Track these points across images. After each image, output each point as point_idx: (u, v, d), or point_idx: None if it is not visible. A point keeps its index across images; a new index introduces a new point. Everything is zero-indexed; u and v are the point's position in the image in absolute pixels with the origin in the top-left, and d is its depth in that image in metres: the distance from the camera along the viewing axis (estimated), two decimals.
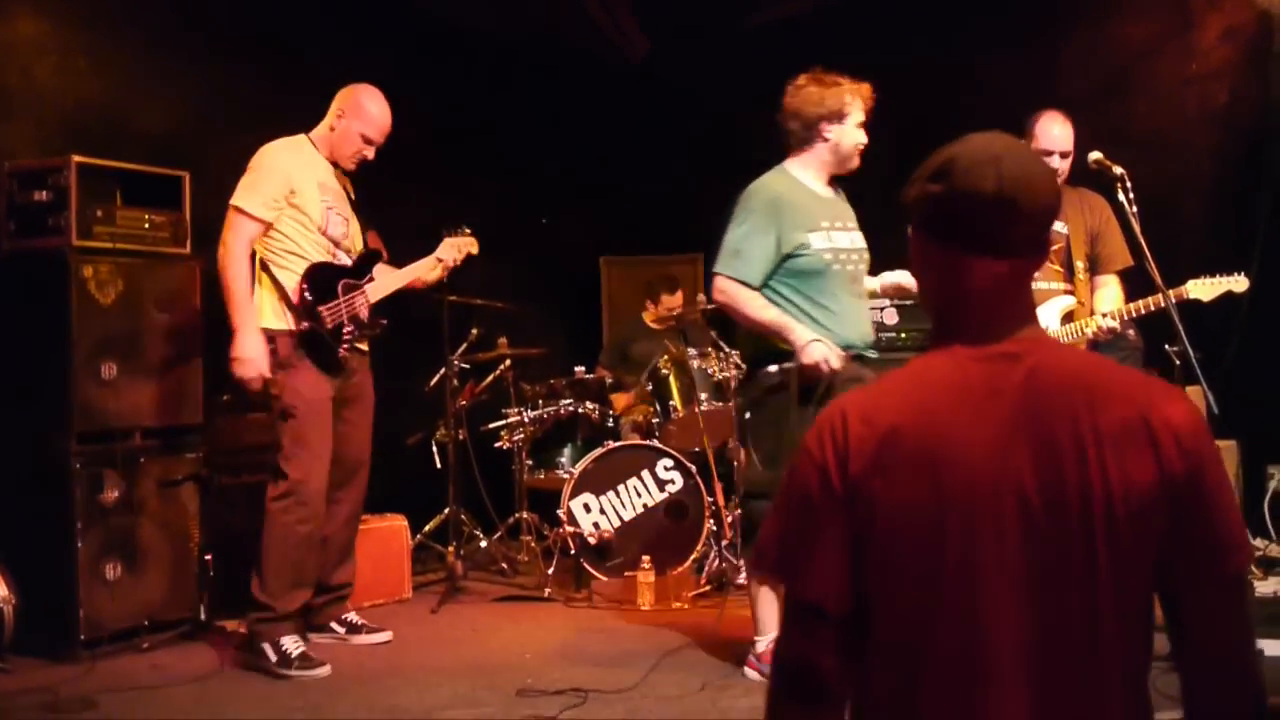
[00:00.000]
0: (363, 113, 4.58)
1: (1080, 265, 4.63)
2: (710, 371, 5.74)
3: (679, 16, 6.97)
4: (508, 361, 6.28)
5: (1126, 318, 4.41)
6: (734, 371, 5.82)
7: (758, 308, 3.90)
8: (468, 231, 4.94)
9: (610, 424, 6.26)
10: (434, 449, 6.23)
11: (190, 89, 5.64)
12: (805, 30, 6.97)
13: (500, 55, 7.04)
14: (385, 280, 4.75)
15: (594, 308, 8.25)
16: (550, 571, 5.60)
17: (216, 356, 4.56)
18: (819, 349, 3.75)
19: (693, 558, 5.62)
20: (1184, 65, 5.91)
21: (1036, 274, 4.30)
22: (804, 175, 4.07)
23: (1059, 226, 4.64)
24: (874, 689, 1.54)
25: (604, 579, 5.54)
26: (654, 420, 6.04)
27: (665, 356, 5.96)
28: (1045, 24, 6.26)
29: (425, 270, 4.87)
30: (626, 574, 5.42)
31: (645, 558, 5.33)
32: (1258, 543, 5.39)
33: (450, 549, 5.68)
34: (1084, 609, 1.44)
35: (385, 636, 4.79)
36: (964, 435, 1.48)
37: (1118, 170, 4.09)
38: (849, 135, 4.02)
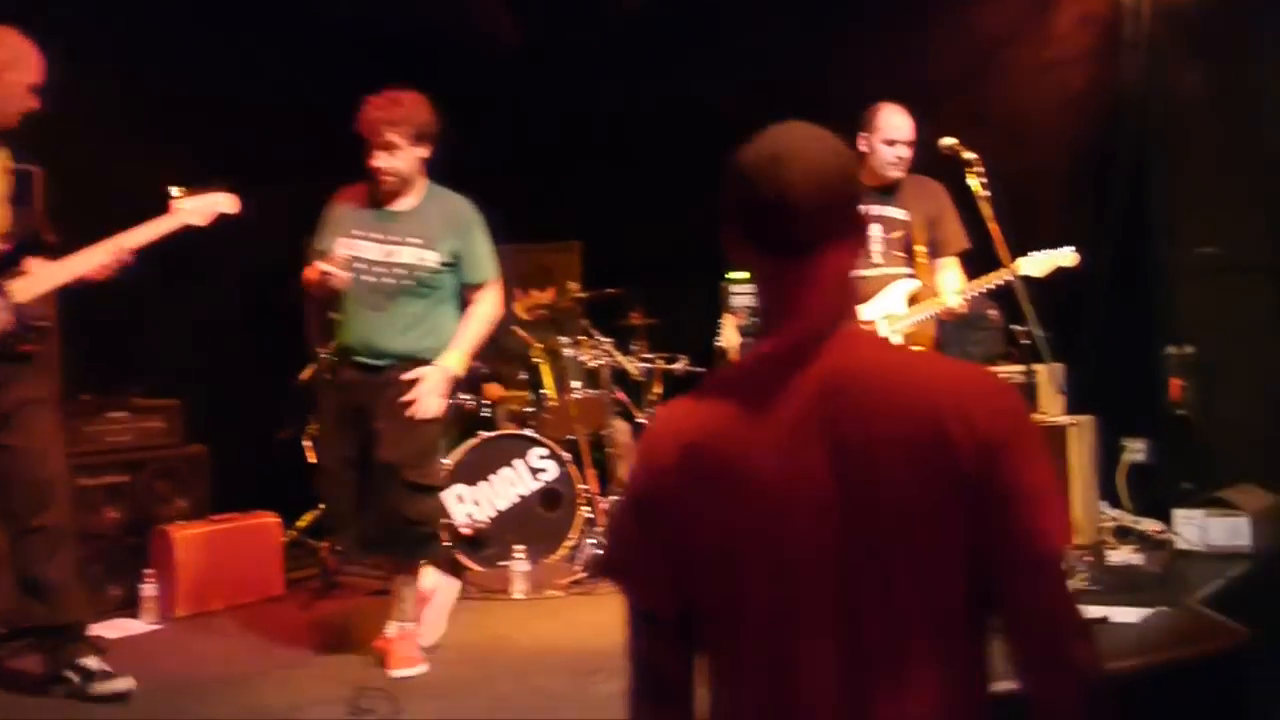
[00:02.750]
0: (24, 61, 3.93)
1: (920, 249, 4.76)
2: (583, 360, 5.75)
3: (554, 2, 6.93)
4: None
5: (971, 295, 4.54)
6: (606, 359, 5.86)
7: None
8: (218, 187, 4.31)
9: (486, 414, 6.23)
10: (306, 444, 6.13)
11: None
12: (676, 17, 6.99)
13: (369, 45, 6.91)
14: (43, 275, 3.96)
15: None
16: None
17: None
18: None
19: (567, 546, 5.62)
20: (1041, 52, 6.06)
21: (880, 259, 4.47)
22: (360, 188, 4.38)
23: (899, 213, 4.77)
24: (710, 684, 1.57)
25: (478, 569, 5.52)
26: (528, 409, 6.03)
27: (538, 346, 5.95)
28: (909, 11, 6.36)
29: (101, 260, 4.01)
30: (500, 564, 5.41)
31: (519, 547, 5.32)
32: (1114, 514, 5.57)
33: (324, 544, 5.61)
34: (887, 604, 1.45)
35: (127, 684, 4.05)
36: (759, 438, 1.50)
37: (968, 155, 4.19)
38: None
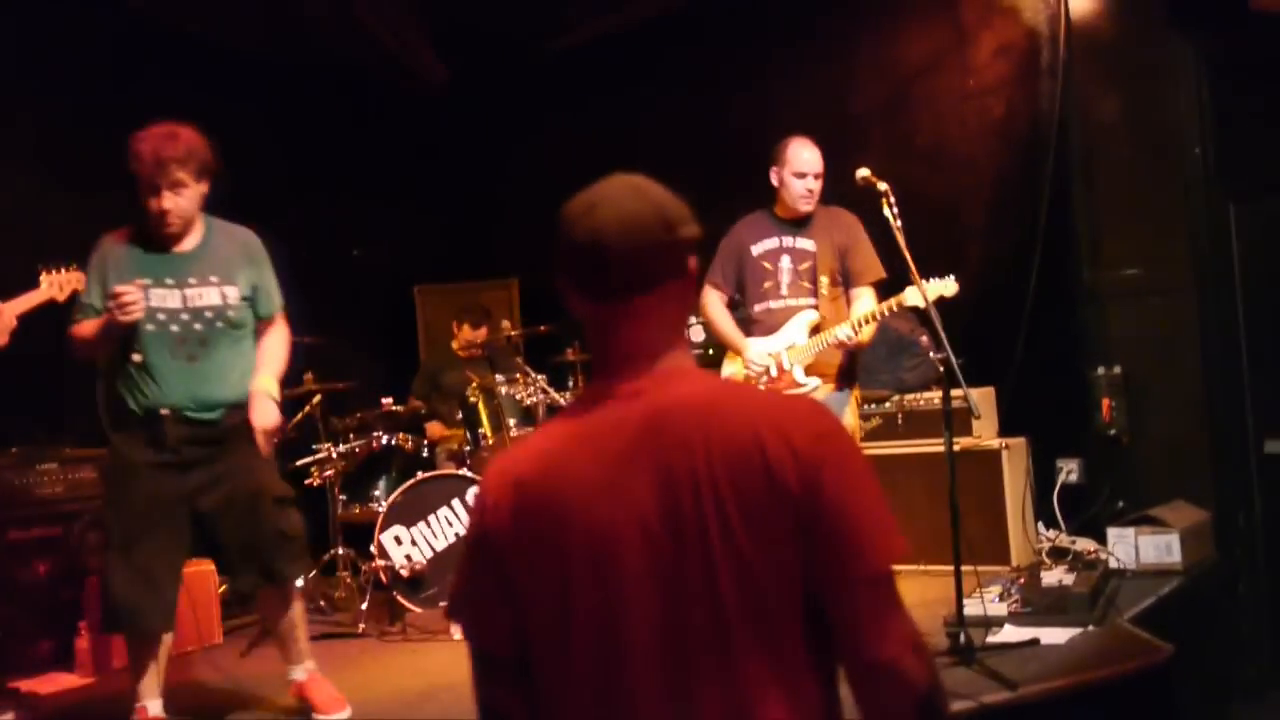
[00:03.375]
0: None
1: (825, 280, 4.83)
2: (518, 397, 5.75)
3: (480, 42, 6.98)
4: (317, 397, 6.18)
5: (865, 323, 4.63)
6: (542, 396, 5.86)
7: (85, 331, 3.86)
8: (74, 266, 4.36)
9: (425, 454, 6.22)
10: None
11: None
12: (609, 52, 7.07)
13: (301, 87, 6.93)
14: None
15: (412, 337, 8.18)
16: (364, 606, 5.52)
17: None
18: None
19: None
20: (962, 81, 6.18)
21: (786, 291, 4.52)
22: (144, 230, 3.97)
23: (808, 244, 4.84)
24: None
25: (418, 610, 5.49)
26: (467, 448, 6.02)
27: (474, 384, 5.95)
28: (835, 43, 6.48)
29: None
30: (440, 605, 5.38)
31: None
32: (1050, 534, 5.63)
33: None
34: (721, 632, 1.48)
35: None
36: (584, 475, 1.55)
37: (882, 186, 4.24)
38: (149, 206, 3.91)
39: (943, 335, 4.07)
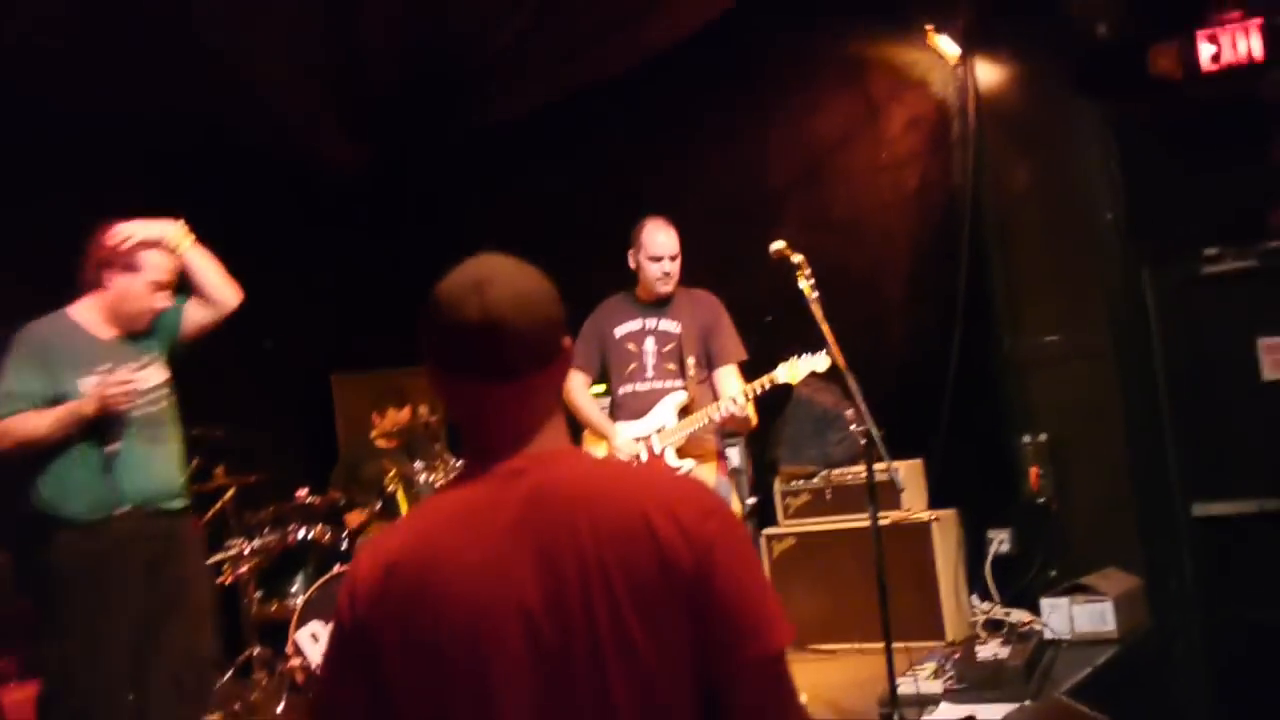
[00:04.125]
0: None
1: (691, 361, 4.77)
2: (436, 483, 5.60)
3: (400, 124, 6.92)
4: (230, 491, 5.97)
5: (749, 398, 4.58)
6: None
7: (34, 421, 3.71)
8: None
9: (344, 546, 6.01)
10: None
11: None
12: (526, 130, 7.05)
13: (209, 172, 6.79)
14: None
15: (329, 427, 7.98)
16: (280, 710, 5.28)
17: None
18: None
19: None
20: (876, 154, 6.21)
21: (652, 373, 4.49)
22: (86, 318, 3.92)
23: (672, 326, 4.79)
24: None
25: None
26: None
27: (391, 473, 5.80)
28: (750, 117, 6.50)
29: None
30: None
31: None
32: (984, 606, 5.55)
33: None
34: (600, 714, 1.41)
35: None
36: (462, 558, 1.46)
37: (796, 258, 4.20)
38: (134, 290, 3.89)
39: (863, 408, 4.00)
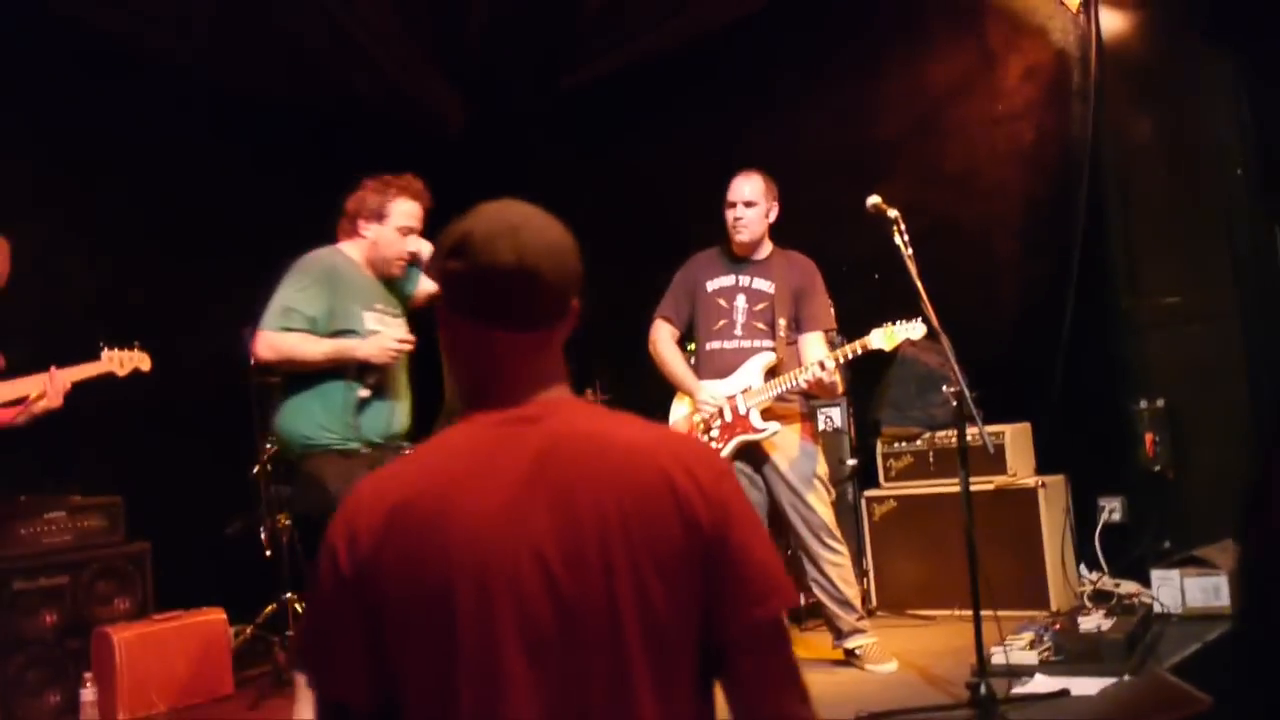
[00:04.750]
0: None
1: (783, 323, 4.66)
2: None
3: (496, 82, 6.90)
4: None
5: (839, 363, 4.45)
6: None
7: (312, 345, 3.88)
8: (137, 345, 4.82)
9: None
10: (261, 536, 5.98)
11: None
12: (624, 88, 6.96)
13: (315, 129, 6.88)
14: None
15: (437, 374, 8.04)
16: None
17: None
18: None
19: None
20: (991, 105, 5.96)
21: (740, 332, 4.39)
22: (355, 258, 4.13)
23: (764, 285, 4.67)
24: None
25: None
26: None
27: None
28: (856, 69, 6.29)
29: (38, 388, 4.54)
30: None
31: None
32: (1092, 576, 5.35)
33: (277, 640, 5.44)
34: (610, 672, 1.37)
35: None
36: (476, 500, 1.41)
37: (892, 213, 4.06)
38: (386, 236, 4.08)
39: (956, 369, 3.85)
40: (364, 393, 3.88)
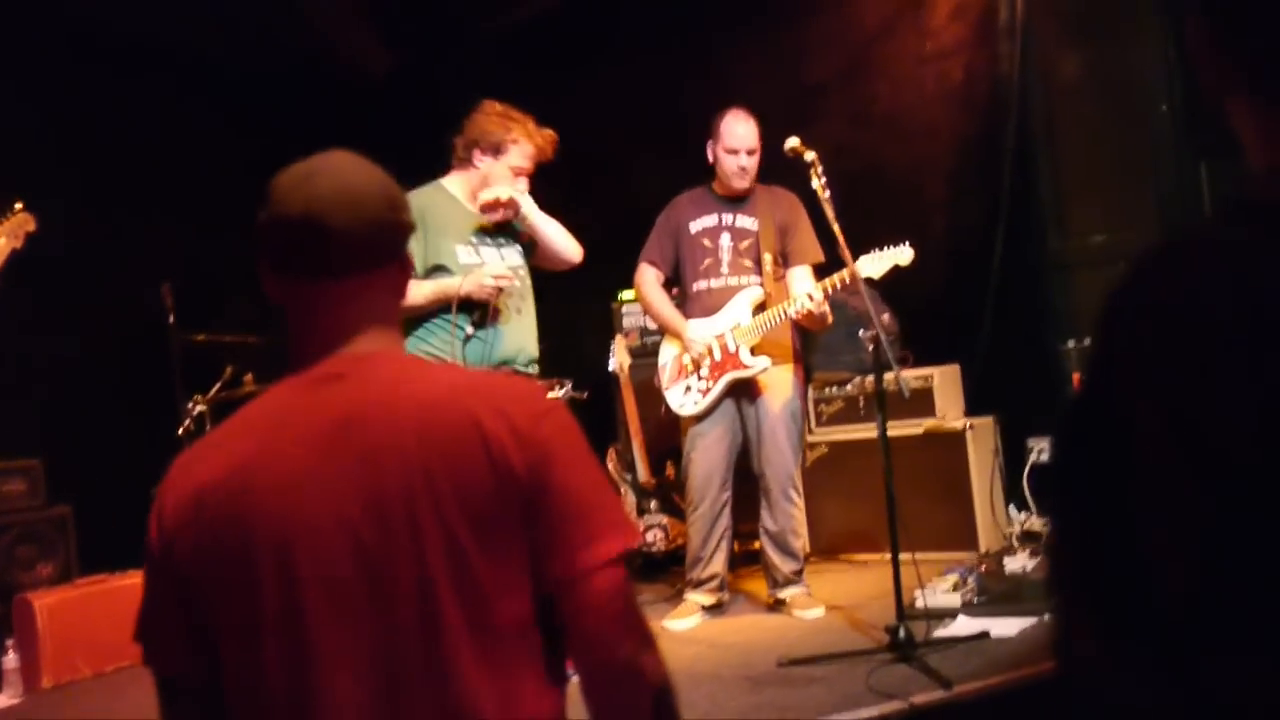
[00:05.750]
0: None
1: (768, 259, 4.62)
2: None
3: (419, 26, 6.75)
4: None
5: (827, 294, 4.39)
6: None
7: (414, 290, 3.76)
8: (19, 208, 4.62)
9: None
10: None
11: None
12: (552, 30, 6.83)
13: (235, 80, 6.71)
14: None
15: None
16: None
17: None
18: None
19: None
20: (919, 45, 5.90)
21: (727, 270, 4.34)
22: (457, 190, 4.06)
23: (749, 222, 4.63)
24: None
25: None
26: None
27: None
28: (785, 11, 6.20)
29: None
30: None
31: None
32: (1020, 517, 5.38)
33: None
34: (423, 633, 1.33)
35: None
36: (274, 472, 1.37)
37: (809, 156, 4.01)
38: (497, 172, 3.99)
39: (873, 312, 3.82)
40: (469, 329, 3.82)
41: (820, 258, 4.65)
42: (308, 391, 1.42)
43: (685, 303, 4.78)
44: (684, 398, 4.69)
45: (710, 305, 4.65)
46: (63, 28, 5.99)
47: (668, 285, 4.87)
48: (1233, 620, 0.86)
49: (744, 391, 4.63)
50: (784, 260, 4.67)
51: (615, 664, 1.39)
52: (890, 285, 4.54)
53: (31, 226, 4.59)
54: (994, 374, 5.56)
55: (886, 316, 5.41)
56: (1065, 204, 5.51)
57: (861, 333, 3.95)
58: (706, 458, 4.64)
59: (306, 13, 6.47)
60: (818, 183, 3.98)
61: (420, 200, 3.88)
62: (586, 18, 6.66)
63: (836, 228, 3.93)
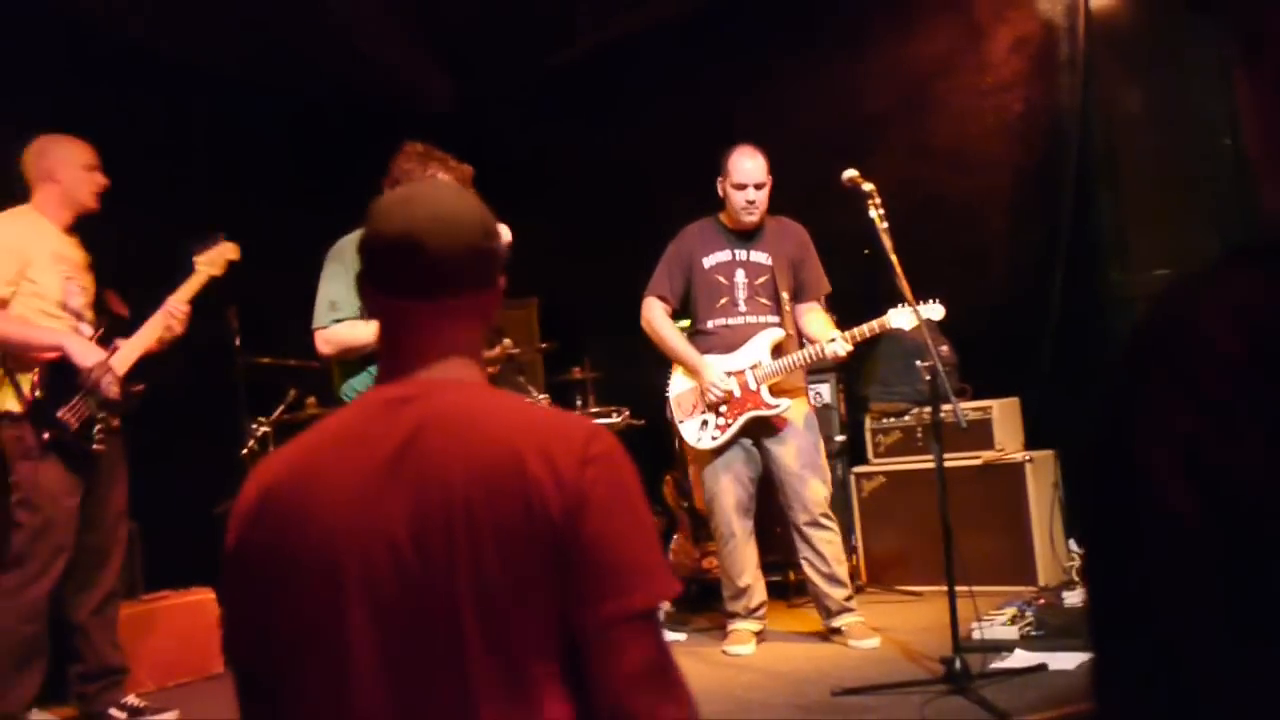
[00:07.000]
0: (72, 156, 4.45)
1: (785, 296, 4.66)
2: None
3: (482, 60, 6.87)
4: None
5: (854, 342, 4.45)
6: None
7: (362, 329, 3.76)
8: (221, 238, 4.75)
9: None
10: None
11: None
12: (607, 66, 6.92)
13: (300, 110, 6.86)
14: (128, 347, 4.52)
15: None
16: None
17: None
18: None
19: None
20: (979, 79, 5.90)
21: (744, 307, 4.38)
22: None
23: (763, 258, 4.66)
24: None
25: None
26: None
27: None
28: (843, 44, 6.24)
29: (164, 323, 4.61)
30: None
31: None
32: (1080, 551, 5.32)
33: None
34: (449, 657, 1.34)
35: (170, 717, 4.54)
36: (337, 484, 1.41)
37: (867, 187, 4.03)
38: None
39: (930, 345, 3.83)
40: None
41: (827, 289, 4.74)
42: (379, 411, 1.47)
43: (698, 338, 4.80)
44: (701, 432, 4.72)
45: (730, 343, 4.68)
46: (121, 55, 6.16)
47: (674, 318, 4.90)
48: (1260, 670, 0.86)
49: (761, 428, 4.65)
50: (796, 293, 4.72)
51: (633, 717, 1.36)
52: (949, 317, 4.54)
53: (235, 255, 4.70)
54: (1055, 407, 5.52)
55: (945, 348, 5.39)
56: (1127, 236, 5.48)
57: (918, 364, 3.94)
58: (732, 490, 4.68)
59: (368, 47, 6.60)
60: (876, 214, 4.00)
61: (355, 241, 3.88)
62: (647, 51, 6.74)
63: (894, 259, 3.93)
